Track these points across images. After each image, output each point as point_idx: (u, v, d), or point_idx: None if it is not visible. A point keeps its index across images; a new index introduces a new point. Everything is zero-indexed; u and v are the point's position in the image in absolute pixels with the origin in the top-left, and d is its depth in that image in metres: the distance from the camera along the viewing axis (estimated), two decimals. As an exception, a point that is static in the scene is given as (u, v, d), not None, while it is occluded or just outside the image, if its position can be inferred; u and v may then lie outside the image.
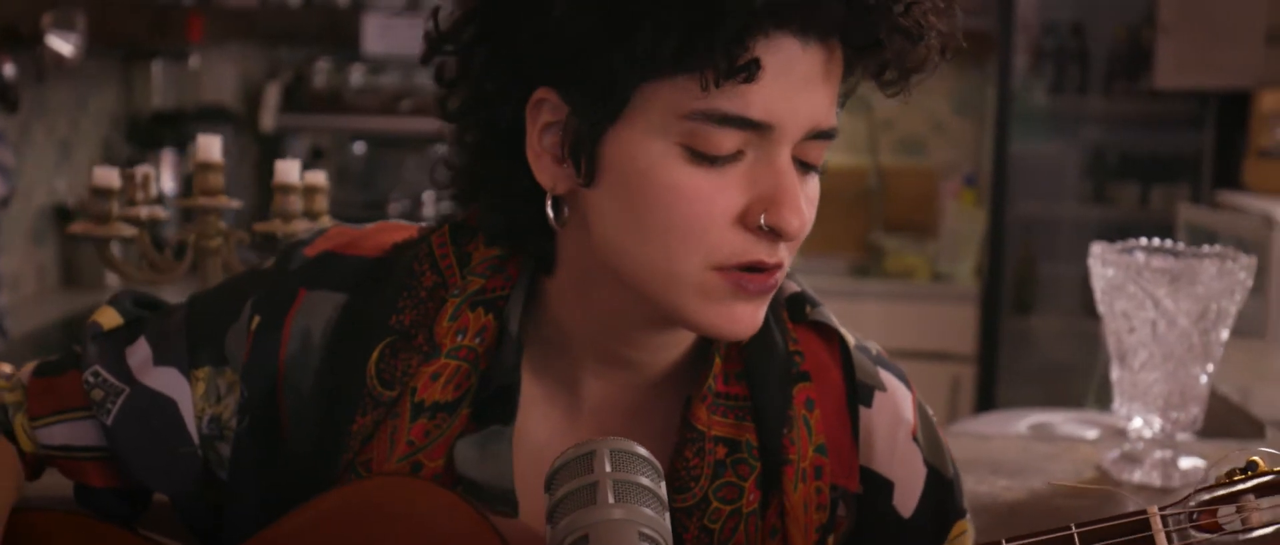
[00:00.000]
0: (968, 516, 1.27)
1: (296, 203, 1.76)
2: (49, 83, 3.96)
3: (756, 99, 1.02)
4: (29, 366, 1.32)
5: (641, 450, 0.92)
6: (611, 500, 0.88)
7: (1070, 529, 1.05)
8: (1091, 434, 2.22)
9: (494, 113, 1.11)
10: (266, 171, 4.77)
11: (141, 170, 1.83)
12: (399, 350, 1.19)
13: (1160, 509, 1.03)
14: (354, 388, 1.19)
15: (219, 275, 1.80)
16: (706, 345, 1.19)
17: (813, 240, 1.23)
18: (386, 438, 1.18)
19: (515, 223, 1.15)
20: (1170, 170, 5.23)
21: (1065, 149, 5.34)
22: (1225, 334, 1.80)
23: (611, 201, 1.08)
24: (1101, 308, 1.83)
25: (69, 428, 1.27)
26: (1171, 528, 1.02)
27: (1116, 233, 5.48)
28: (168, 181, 4.74)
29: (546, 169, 1.10)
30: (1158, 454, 1.84)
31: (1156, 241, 1.85)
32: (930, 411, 1.27)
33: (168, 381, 1.25)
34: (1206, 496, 1.03)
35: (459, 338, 1.18)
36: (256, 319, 1.22)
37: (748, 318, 1.09)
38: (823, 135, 1.06)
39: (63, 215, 4.24)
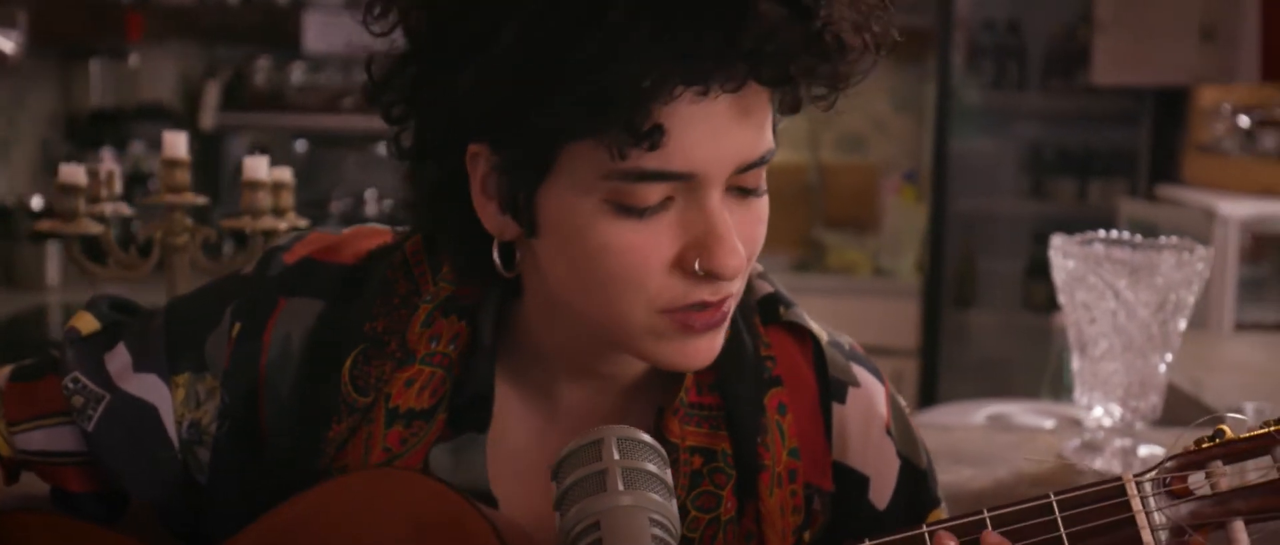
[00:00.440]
0: (943, 505, 1.29)
1: (265, 199, 1.75)
2: (4, 80, 3.92)
3: (674, 153, 1.00)
4: (4, 370, 1.31)
5: (647, 437, 0.93)
6: (621, 487, 0.89)
7: (1049, 497, 1.07)
8: (1048, 424, 2.25)
9: (438, 161, 1.11)
10: (207, 170, 4.74)
11: (105, 167, 1.82)
12: (372, 356, 1.20)
13: (1135, 476, 1.06)
14: (329, 394, 1.20)
15: (186, 273, 1.79)
16: None
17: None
18: (362, 444, 1.19)
19: (474, 263, 1.15)
20: (1107, 165, 5.30)
21: (1003, 145, 5.40)
22: (1183, 324, 1.84)
23: (554, 253, 1.08)
24: (1062, 299, 1.86)
25: (47, 433, 1.27)
26: (1145, 493, 1.05)
27: (1055, 228, 5.54)
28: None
29: (491, 217, 1.11)
30: (1118, 442, 1.88)
31: (1115, 234, 1.88)
32: (903, 403, 1.28)
33: (148, 388, 1.25)
34: (1177, 464, 1.06)
35: (433, 344, 1.18)
36: (237, 326, 1.23)
37: (703, 351, 1.10)
38: (757, 163, 1.05)
39: (1, 215, 4.20)
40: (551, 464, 0.93)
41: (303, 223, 1.88)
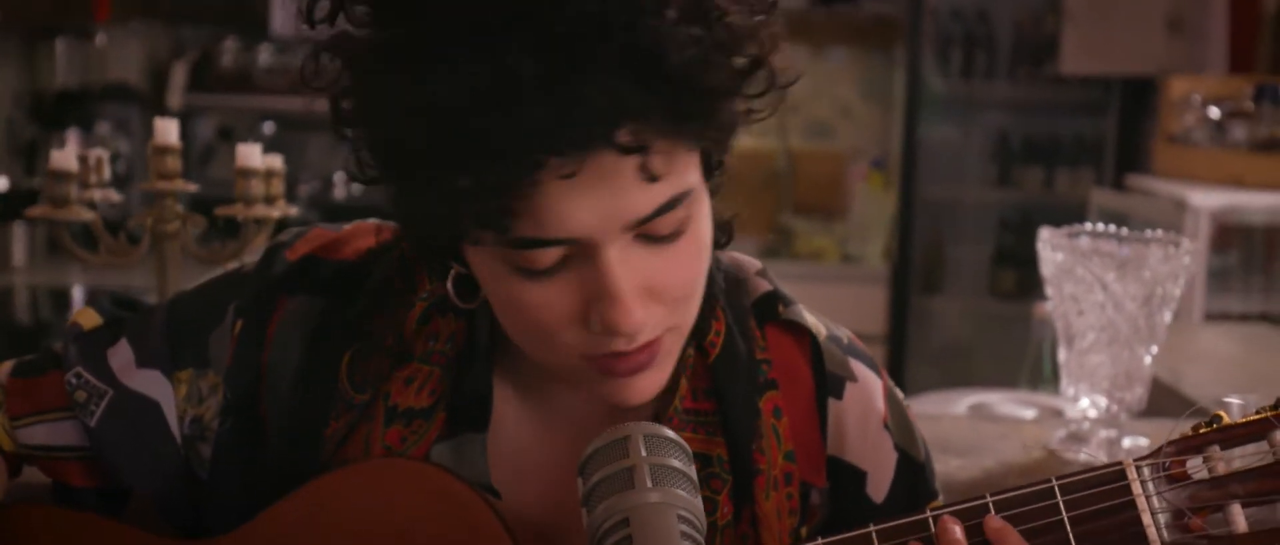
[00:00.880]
0: (940, 497, 1.30)
1: (258, 187, 1.75)
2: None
3: (549, 222, 0.98)
4: (6, 366, 1.31)
5: (672, 434, 0.94)
6: (649, 484, 0.89)
7: (1051, 482, 1.09)
8: (1029, 413, 2.27)
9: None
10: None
11: (95, 153, 1.80)
12: (370, 354, 1.20)
13: (1134, 460, 1.08)
14: (328, 392, 1.20)
15: (177, 260, 1.78)
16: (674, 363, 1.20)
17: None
18: (361, 441, 1.19)
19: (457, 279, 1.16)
20: (1073, 155, 5.35)
21: (971, 133, 5.44)
22: (1169, 316, 1.85)
23: (489, 298, 1.10)
24: (1049, 291, 1.87)
25: (49, 428, 1.27)
26: (1145, 477, 1.07)
27: (1022, 216, 5.62)
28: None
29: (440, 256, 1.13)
30: (1103, 433, 1.90)
31: (1102, 227, 1.90)
32: (901, 396, 1.29)
33: (150, 383, 1.25)
34: (1176, 449, 1.08)
35: (431, 343, 1.19)
36: (240, 323, 1.22)
37: (638, 389, 1.09)
38: (656, 214, 1.01)
39: (-34, 196, 4.16)
40: (579, 460, 0.93)
41: (293, 210, 1.87)
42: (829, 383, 1.23)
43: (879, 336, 5.00)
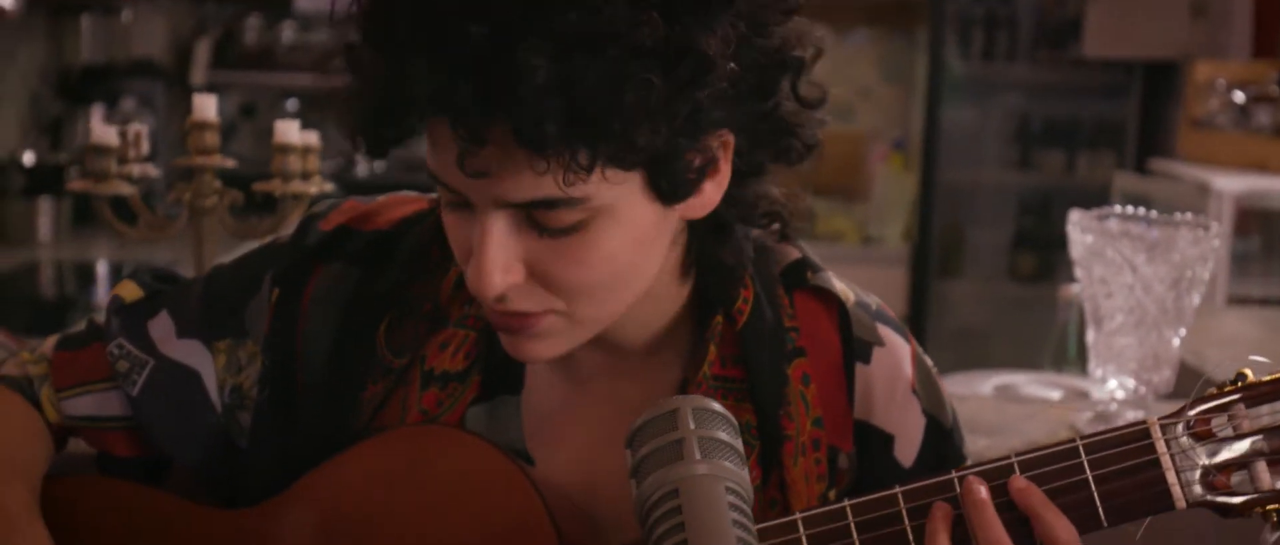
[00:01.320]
0: (969, 461, 1.31)
1: (296, 162, 1.77)
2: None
3: (437, 165, 1.04)
4: (51, 339, 1.34)
5: (718, 407, 0.95)
6: (698, 456, 0.91)
7: (1075, 442, 1.10)
8: (1055, 395, 2.28)
9: None
10: (199, 129, 4.70)
11: (134, 128, 1.82)
12: (407, 319, 1.22)
13: (1159, 419, 1.09)
14: (365, 357, 1.22)
15: (215, 234, 1.80)
16: (700, 327, 1.22)
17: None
18: (398, 405, 1.21)
19: None
20: (1094, 138, 5.35)
21: (991, 116, 5.44)
22: (1197, 299, 1.87)
23: None
24: (1079, 272, 1.88)
25: (94, 398, 1.29)
26: (1170, 436, 1.08)
27: (1042, 199, 5.61)
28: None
29: None
30: (1130, 414, 1.91)
31: (1131, 209, 1.91)
32: (929, 362, 1.30)
33: (190, 353, 1.28)
34: (1200, 407, 1.10)
35: (466, 307, 1.21)
36: (276, 292, 1.25)
37: (520, 350, 1.12)
38: (539, 204, 1.03)
39: (-8, 170, 4.19)
40: (627, 432, 0.95)
41: (329, 186, 1.89)
42: (857, 348, 1.24)
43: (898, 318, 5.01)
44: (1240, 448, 1.09)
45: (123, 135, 1.82)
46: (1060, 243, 5.83)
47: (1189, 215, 1.89)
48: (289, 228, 1.32)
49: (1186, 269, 1.83)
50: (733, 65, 1.02)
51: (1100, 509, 1.09)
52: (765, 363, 1.21)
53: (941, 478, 1.11)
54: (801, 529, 1.11)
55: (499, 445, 1.18)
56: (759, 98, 1.08)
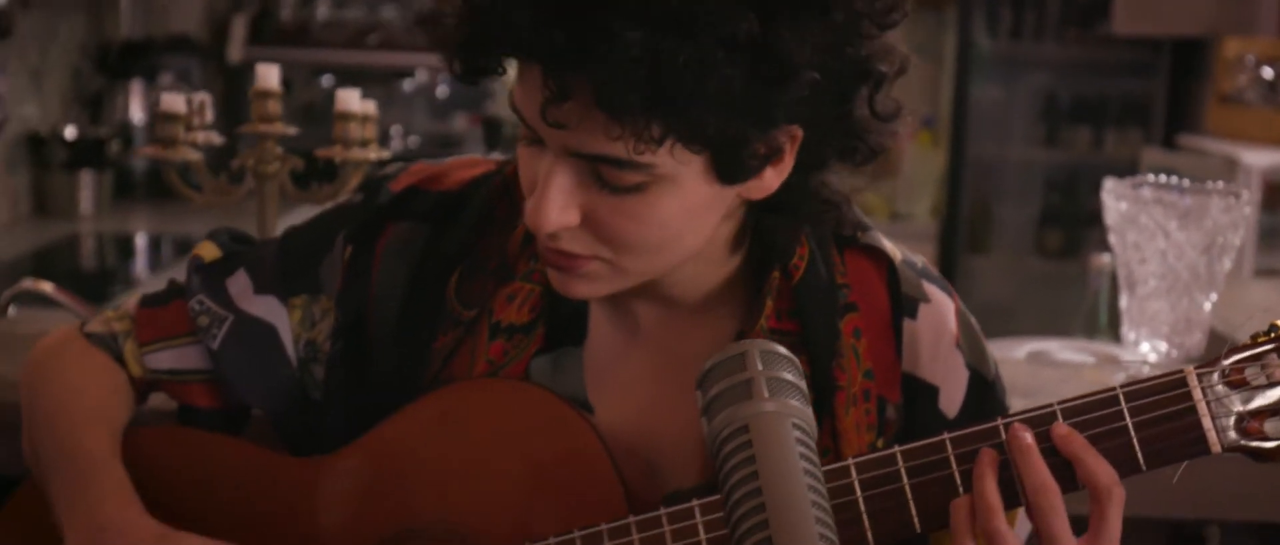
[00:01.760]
0: (1010, 412, 1.36)
1: (357, 130, 1.83)
2: (33, 9, 3.96)
3: (521, 104, 1.12)
4: (133, 298, 1.41)
5: (784, 350, 1.00)
6: (766, 394, 0.96)
7: (1115, 390, 1.16)
8: (1089, 360, 2.33)
9: None
10: (233, 104, 4.77)
11: (198, 97, 1.89)
12: (475, 273, 1.28)
13: (1196, 368, 1.15)
14: (436, 310, 1.29)
15: (276, 199, 1.86)
16: (757, 283, 1.28)
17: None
18: (467, 355, 1.27)
19: None
20: (1122, 115, 5.37)
21: (1018, 93, 5.47)
22: (1228, 264, 1.92)
23: None
24: (1113, 239, 1.94)
25: (175, 352, 1.36)
26: (1207, 384, 1.14)
27: (1069, 176, 5.62)
28: (136, 112, 4.75)
29: None
30: (1163, 377, 1.96)
31: (1163, 178, 1.96)
32: (971, 318, 1.36)
33: (267, 309, 1.34)
34: (1235, 357, 1.15)
35: (532, 262, 1.27)
36: (349, 249, 1.31)
37: (562, 285, 1.20)
38: (606, 161, 1.09)
39: (35, 144, 4.24)
40: (698, 375, 1.00)
41: (385, 153, 1.95)
42: (904, 304, 1.30)
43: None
44: (1273, 395, 1.14)
45: (188, 103, 1.88)
46: (1087, 219, 5.85)
47: (1221, 184, 1.94)
48: (354, 191, 1.39)
49: (1218, 235, 1.88)
50: (815, 74, 1.07)
51: (1139, 453, 1.15)
52: (819, 316, 1.27)
53: (987, 425, 1.16)
54: (854, 474, 1.16)
55: (562, 395, 1.25)
56: (835, 101, 1.13)
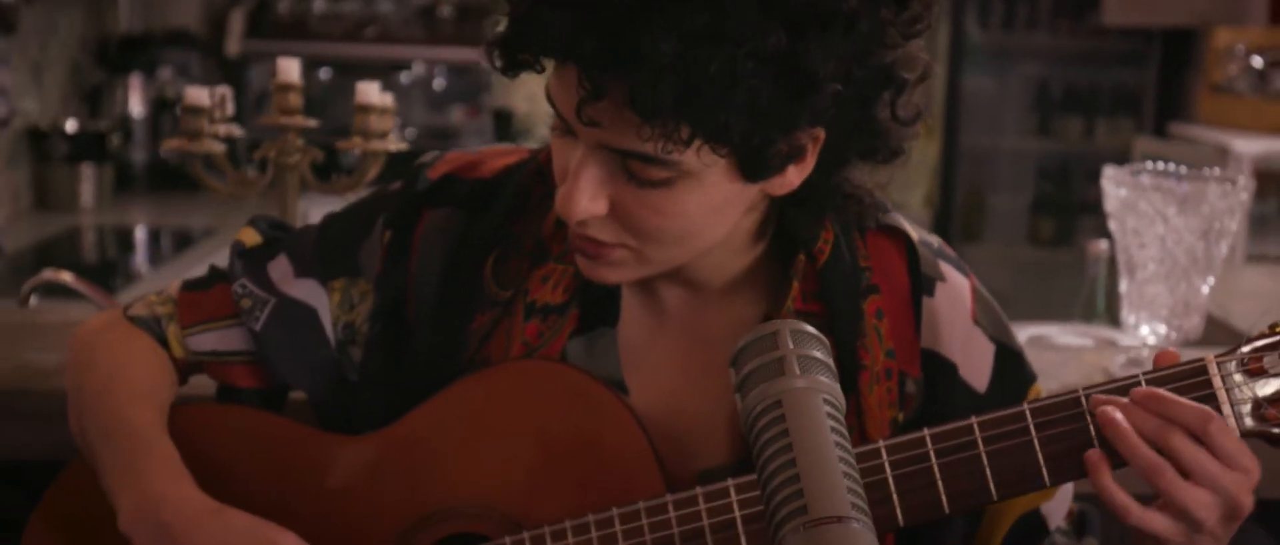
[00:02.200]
0: (1038, 380, 1.41)
1: (376, 122, 1.87)
2: (34, 4, 3.98)
3: (558, 99, 1.17)
4: (175, 283, 1.45)
5: (812, 330, 1.04)
6: (797, 371, 1.00)
7: (1138, 376, 1.21)
8: (1088, 344, 2.38)
9: None
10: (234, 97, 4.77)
11: (220, 91, 1.92)
12: (511, 256, 1.33)
13: (1216, 356, 1.19)
14: (472, 292, 1.33)
15: (296, 190, 1.90)
16: (781, 267, 1.32)
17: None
18: (503, 336, 1.32)
19: None
20: (1113, 105, 5.42)
21: (1011, 84, 5.51)
22: (1225, 249, 1.96)
23: None
24: (1113, 225, 1.98)
25: (217, 334, 1.41)
26: (1226, 372, 1.18)
27: (1062, 165, 5.66)
28: (136, 105, 4.78)
29: None
30: (1162, 360, 2.00)
31: (1163, 166, 2.00)
32: (987, 294, 1.40)
33: (308, 292, 1.39)
34: (1254, 345, 1.20)
35: (566, 244, 1.31)
36: (388, 234, 1.36)
37: (589, 270, 1.25)
38: (635, 156, 1.15)
39: (36, 138, 4.27)
40: (731, 354, 1.03)
41: (403, 145, 1.99)
42: (923, 282, 1.34)
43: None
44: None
45: (211, 96, 1.92)
46: (1079, 208, 5.88)
47: (1218, 170, 1.99)
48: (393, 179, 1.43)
49: (1215, 221, 1.93)
50: (838, 85, 1.12)
51: None
52: (844, 299, 1.31)
53: (1011, 411, 1.21)
54: (884, 455, 1.21)
55: (598, 377, 1.29)
56: (858, 106, 1.18)
